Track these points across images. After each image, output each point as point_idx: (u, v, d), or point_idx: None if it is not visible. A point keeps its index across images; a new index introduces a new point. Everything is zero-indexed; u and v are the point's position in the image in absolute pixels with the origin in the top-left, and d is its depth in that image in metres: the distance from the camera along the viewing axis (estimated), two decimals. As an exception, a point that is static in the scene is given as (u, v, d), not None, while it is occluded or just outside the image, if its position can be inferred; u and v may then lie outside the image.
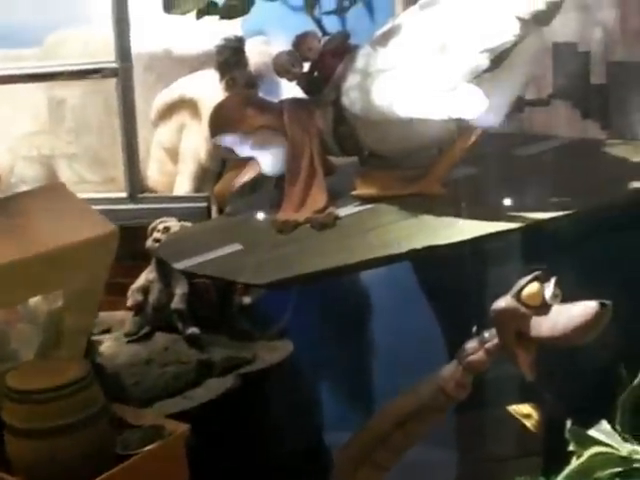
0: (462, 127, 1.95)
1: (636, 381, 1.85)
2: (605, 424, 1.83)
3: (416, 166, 2.08)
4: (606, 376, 1.93)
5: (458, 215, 1.94)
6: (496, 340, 1.70)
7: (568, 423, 1.80)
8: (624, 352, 1.96)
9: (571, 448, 1.80)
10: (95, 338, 2.26)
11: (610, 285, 2.01)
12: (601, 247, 2.08)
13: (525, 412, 2.19)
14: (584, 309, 1.62)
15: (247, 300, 2.47)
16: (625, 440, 1.80)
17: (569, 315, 1.63)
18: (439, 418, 1.77)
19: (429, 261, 2.10)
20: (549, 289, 1.68)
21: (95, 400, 1.75)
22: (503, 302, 1.68)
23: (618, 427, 1.82)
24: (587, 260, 2.05)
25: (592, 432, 1.81)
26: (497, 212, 1.93)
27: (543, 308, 1.68)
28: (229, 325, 2.44)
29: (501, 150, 2.32)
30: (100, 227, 1.83)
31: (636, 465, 1.76)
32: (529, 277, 1.69)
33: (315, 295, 2.49)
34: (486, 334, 1.72)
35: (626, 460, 1.77)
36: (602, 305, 1.61)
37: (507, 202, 1.99)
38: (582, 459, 1.78)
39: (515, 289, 1.69)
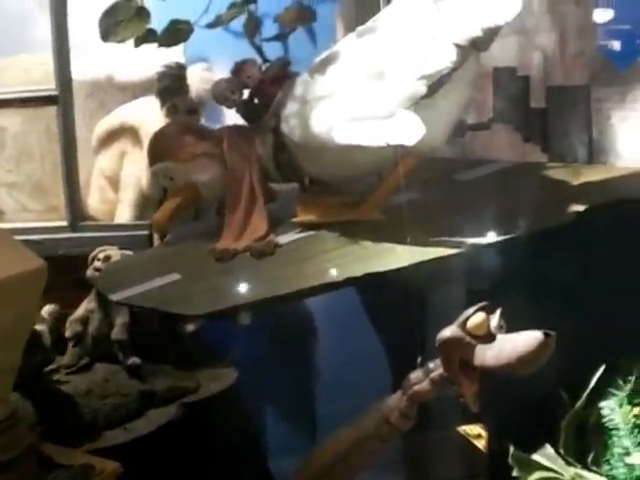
0: (401, 153, 1.95)
1: (578, 405, 1.86)
2: (549, 448, 1.84)
3: (357, 192, 2.08)
4: (548, 400, 1.93)
5: (398, 241, 1.93)
6: (441, 370, 1.70)
7: (511, 448, 1.80)
8: (565, 376, 1.97)
9: (515, 473, 1.80)
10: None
11: (551, 308, 2.03)
12: (542, 270, 2.08)
13: (476, 433, 2.19)
14: (528, 339, 1.62)
15: (190, 328, 2.45)
16: (569, 464, 1.80)
17: (513, 345, 1.63)
18: (383, 449, 1.75)
19: (373, 287, 2.10)
20: (494, 320, 1.68)
21: (20, 440, 1.71)
22: (448, 331, 1.68)
23: (562, 451, 1.83)
24: (528, 284, 2.05)
25: (536, 456, 1.82)
26: (438, 237, 1.93)
27: (488, 338, 1.68)
28: (171, 354, 2.41)
29: (443, 175, 2.32)
30: (28, 262, 1.78)
31: (580, 489, 1.76)
32: (475, 307, 1.69)
33: (260, 321, 2.47)
34: (431, 364, 1.72)
35: (570, 484, 1.77)
36: (546, 335, 1.61)
37: (448, 227, 1.98)
38: (526, 484, 1.78)
39: (461, 319, 1.69)
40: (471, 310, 1.70)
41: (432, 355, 1.78)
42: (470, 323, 1.68)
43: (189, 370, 2.41)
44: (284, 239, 2.02)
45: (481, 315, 1.68)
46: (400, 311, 1.84)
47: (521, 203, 2.10)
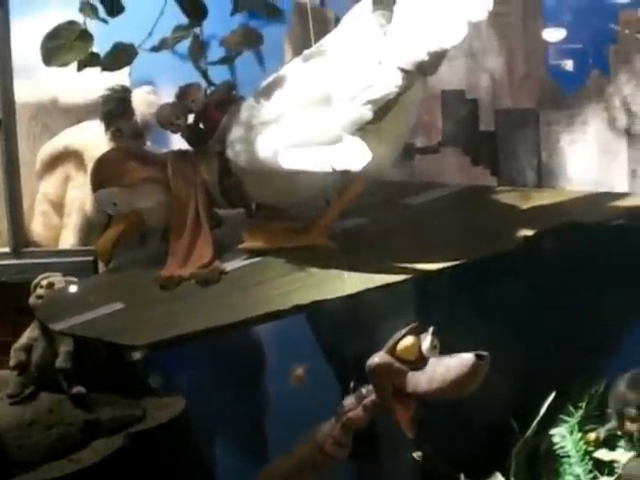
0: (348, 178, 1.93)
1: (528, 433, 1.84)
2: (499, 477, 1.82)
3: (304, 218, 2.05)
4: (499, 428, 1.92)
5: (346, 267, 1.90)
6: (374, 396, 1.64)
7: (462, 477, 1.78)
8: (516, 403, 1.95)
9: (467, 502, 1.79)
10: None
11: (501, 334, 2.01)
12: (492, 296, 2.07)
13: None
14: (460, 362, 1.57)
15: (137, 356, 2.40)
16: (519, 492, 1.79)
17: (446, 368, 1.58)
18: (318, 478, 1.70)
19: (321, 313, 2.07)
20: (426, 341, 1.62)
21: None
22: (377, 358, 1.62)
23: (512, 479, 1.81)
24: (478, 310, 2.04)
25: (487, 485, 1.80)
26: (386, 263, 1.91)
27: (420, 362, 1.62)
28: (118, 382, 2.37)
29: (391, 199, 2.30)
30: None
31: (531, 516, 1.75)
32: (403, 330, 1.63)
33: (208, 349, 2.44)
34: (364, 390, 1.66)
35: (521, 513, 1.76)
36: (479, 357, 1.56)
37: (397, 253, 1.96)
38: (477, 513, 1.76)
39: (389, 344, 1.63)
40: (399, 333, 1.63)
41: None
42: (399, 347, 1.62)
43: (136, 399, 2.38)
44: (230, 266, 1.98)
45: (410, 339, 1.62)
46: (349, 338, 1.80)
47: (470, 228, 2.08)
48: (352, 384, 1.68)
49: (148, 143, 2.33)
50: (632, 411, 1.46)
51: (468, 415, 1.99)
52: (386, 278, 1.85)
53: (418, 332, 1.63)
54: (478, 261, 1.94)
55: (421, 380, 1.59)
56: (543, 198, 2.20)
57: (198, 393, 2.41)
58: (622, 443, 1.68)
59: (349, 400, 1.66)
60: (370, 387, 1.64)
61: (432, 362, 1.60)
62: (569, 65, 2.29)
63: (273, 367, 2.48)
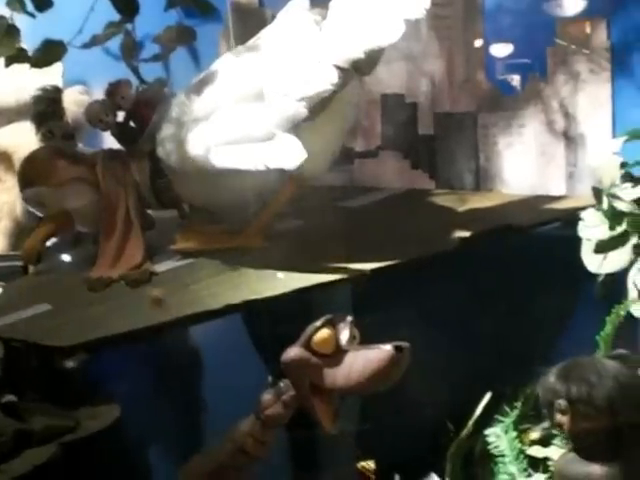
0: (283, 178, 1.90)
1: (463, 433, 1.82)
2: (435, 477, 1.79)
3: (238, 220, 2.02)
4: (435, 429, 1.89)
5: (280, 268, 1.88)
6: (292, 391, 1.58)
7: (397, 478, 1.76)
8: (452, 404, 1.93)
9: (401, 503, 1.76)
10: None
11: (437, 336, 1.99)
12: (428, 298, 2.05)
13: (373, 468, 2.13)
14: (378, 354, 1.50)
15: (70, 364, 2.35)
16: (455, 493, 1.76)
17: (364, 361, 1.51)
18: (241, 478, 1.64)
19: (257, 314, 2.04)
20: (344, 332, 1.55)
21: None
22: (292, 352, 1.56)
23: (448, 479, 1.79)
24: (414, 311, 2.02)
25: (422, 486, 1.78)
26: (322, 264, 1.88)
27: (338, 355, 1.54)
28: (50, 391, 2.31)
29: (330, 202, 2.28)
30: None
31: (466, 517, 1.72)
32: (319, 322, 1.56)
33: (144, 356, 2.39)
34: (282, 384, 1.59)
35: (456, 513, 1.73)
36: (398, 348, 1.50)
37: (332, 254, 1.94)
38: (412, 514, 1.73)
39: (304, 337, 1.56)
40: (314, 326, 1.54)
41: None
42: (315, 340, 1.53)
43: (69, 408, 2.31)
44: (162, 267, 1.95)
45: (326, 331, 1.53)
46: (285, 339, 1.76)
47: (407, 230, 2.07)
48: (270, 379, 1.61)
49: (80, 145, 2.27)
50: (562, 403, 1.43)
51: (404, 416, 1.96)
52: (320, 278, 1.83)
53: (335, 324, 1.56)
54: (414, 263, 1.93)
55: (338, 375, 1.51)
56: (480, 201, 2.19)
57: (133, 401, 2.36)
58: (557, 441, 1.66)
59: (267, 396, 1.58)
60: (288, 382, 1.57)
61: (350, 355, 1.53)
62: (508, 68, 2.28)
63: (210, 372, 2.43)
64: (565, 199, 2.14)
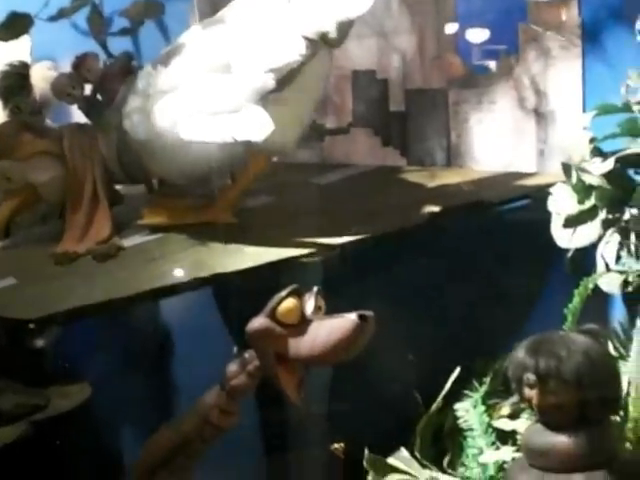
0: (251, 151, 1.88)
1: (433, 408, 1.81)
2: (404, 451, 1.79)
3: (207, 195, 2.00)
4: (404, 404, 1.89)
5: (250, 243, 1.86)
6: (257, 362, 1.56)
7: (366, 451, 1.75)
8: (422, 379, 1.93)
9: (370, 478, 1.75)
10: None
11: (407, 310, 1.98)
12: (398, 272, 2.05)
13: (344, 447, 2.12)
14: (343, 323, 1.49)
15: (41, 342, 2.33)
16: (424, 467, 1.76)
17: (328, 331, 1.50)
18: (205, 449, 1.62)
19: (226, 290, 2.03)
20: (309, 302, 1.55)
21: None
22: (256, 322, 1.55)
23: (418, 454, 1.78)
24: (383, 286, 2.01)
25: (391, 460, 1.77)
26: (290, 238, 1.87)
27: (303, 325, 1.52)
28: (21, 370, 2.29)
29: (300, 179, 2.27)
30: None
31: (434, 491, 1.72)
32: (284, 292, 1.55)
33: (112, 330, 2.37)
34: (247, 354, 1.58)
35: (425, 487, 1.73)
36: (362, 317, 1.49)
37: (302, 229, 1.93)
38: (380, 487, 1.73)
39: (269, 307, 1.55)
40: (279, 296, 1.52)
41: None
42: (280, 311, 1.52)
43: (39, 386, 2.30)
44: (130, 242, 1.93)
45: (291, 301, 1.51)
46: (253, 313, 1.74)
47: (377, 205, 2.07)
48: (235, 349, 1.59)
49: (48, 121, 2.25)
50: (530, 377, 1.42)
51: (373, 391, 1.95)
52: (288, 252, 1.82)
53: (300, 294, 1.55)
54: (384, 237, 1.92)
55: (303, 344, 1.50)
56: (451, 177, 2.19)
57: (102, 375, 2.34)
58: (525, 415, 1.66)
59: (232, 367, 1.57)
60: (253, 352, 1.56)
61: (315, 325, 1.51)
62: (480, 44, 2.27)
63: (181, 348, 2.42)
64: (535, 176, 2.14)
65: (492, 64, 2.21)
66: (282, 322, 1.52)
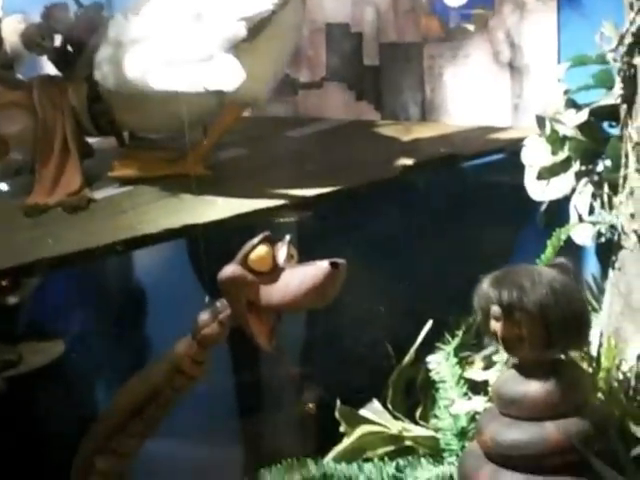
0: (224, 103, 1.86)
1: (405, 361, 1.81)
2: (376, 403, 1.79)
3: (179, 147, 1.98)
4: (376, 356, 1.89)
5: (222, 194, 1.85)
6: (229, 311, 1.55)
7: (338, 403, 1.75)
8: (395, 333, 1.93)
9: (342, 429, 1.75)
10: None
11: (380, 265, 1.98)
12: (371, 227, 2.04)
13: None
14: (314, 270, 1.48)
15: (13, 299, 2.32)
16: (396, 418, 1.75)
17: (300, 278, 1.49)
18: (177, 398, 1.62)
19: (199, 240, 2.01)
20: (282, 251, 1.53)
21: None
22: (228, 270, 1.53)
23: (390, 406, 1.78)
24: (356, 240, 2.00)
25: (363, 411, 1.77)
26: (262, 190, 1.86)
27: (275, 273, 1.50)
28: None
29: (274, 132, 2.26)
30: None
31: (407, 443, 1.71)
32: (256, 240, 1.53)
33: (88, 291, 2.36)
34: (218, 304, 1.56)
35: (397, 438, 1.72)
36: (334, 265, 1.49)
37: (274, 181, 1.91)
38: (352, 438, 1.72)
39: (241, 254, 1.51)
40: (251, 243, 1.51)
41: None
42: (252, 258, 1.49)
43: (12, 343, 2.28)
44: (100, 194, 1.91)
45: (263, 248, 1.49)
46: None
47: (351, 158, 2.06)
48: (207, 298, 1.58)
49: (19, 75, 2.22)
50: (496, 309, 1.41)
51: (346, 343, 1.95)
52: (260, 203, 1.81)
53: (272, 242, 1.53)
54: (357, 190, 1.91)
55: (275, 292, 1.49)
56: (425, 131, 2.19)
57: (77, 336, 2.33)
58: (497, 366, 1.66)
59: (204, 316, 1.55)
60: (225, 301, 1.55)
61: (287, 272, 1.50)
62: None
63: (152, 298, 2.40)
64: (510, 130, 2.13)
65: (470, 27, 2.19)
66: (254, 270, 1.51)
